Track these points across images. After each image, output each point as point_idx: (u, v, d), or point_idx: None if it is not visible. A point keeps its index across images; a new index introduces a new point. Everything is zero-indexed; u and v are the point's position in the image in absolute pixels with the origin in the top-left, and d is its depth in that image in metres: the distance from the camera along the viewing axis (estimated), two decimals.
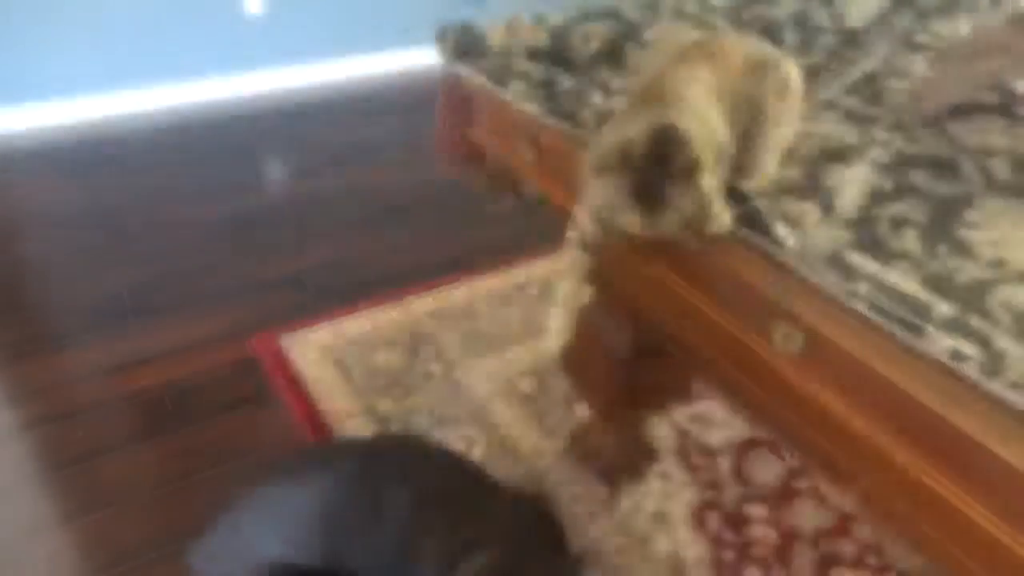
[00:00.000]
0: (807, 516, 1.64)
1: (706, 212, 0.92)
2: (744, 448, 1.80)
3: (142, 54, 3.34)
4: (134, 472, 1.70)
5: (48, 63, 3.16)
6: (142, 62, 3.35)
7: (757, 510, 1.65)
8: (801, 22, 1.70)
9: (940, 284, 0.92)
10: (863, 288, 0.82)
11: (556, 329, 1.03)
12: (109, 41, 3.25)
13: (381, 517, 1.14)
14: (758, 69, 1.08)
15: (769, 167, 1.12)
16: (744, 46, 1.09)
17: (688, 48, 1.09)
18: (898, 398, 0.77)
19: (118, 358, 2.01)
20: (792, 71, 1.10)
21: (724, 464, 1.76)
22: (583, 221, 1.02)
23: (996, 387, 0.70)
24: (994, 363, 0.73)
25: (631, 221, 0.92)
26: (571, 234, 1.04)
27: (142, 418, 1.84)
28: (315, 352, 2.04)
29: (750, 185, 1.09)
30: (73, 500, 1.63)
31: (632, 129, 0.93)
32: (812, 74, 1.21)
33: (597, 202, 0.98)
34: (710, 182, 0.94)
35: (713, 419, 1.88)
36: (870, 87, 1.47)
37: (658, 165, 0.90)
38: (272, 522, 1.26)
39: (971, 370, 0.72)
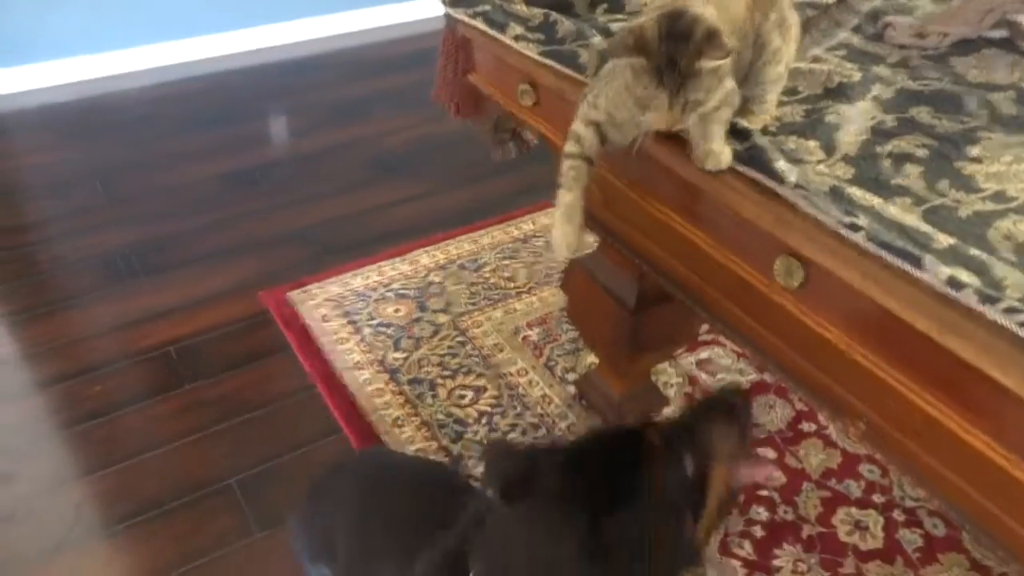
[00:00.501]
0: (814, 457, 1.66)
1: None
2: (752, 393, 1.82)
3: (138, 13, 3.31)
4: (151, 426, 1.73)
5: (44, 24, 3.14)
6: (138, 22, 3.32)
7: (765, 452, 1.68)
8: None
9: (940, 217, 0.92)
10: (863, 221, 0.83)
11: (561, 241, 1.04)
12: (105, 1, 3.22)
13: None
14: (762, 4, 1.07)
15: (772, 104, 1.12)
16: None
17: None
18: (897, 328, 0.78)
19: (129, 316, 2.03)
20: (790, 10, 1.09)
21: None
22: (581, 132, 1.03)
23: (993, 312, 0.71)
24: (992, 290, 0.73)
25: (656, 105, 0.92)
26: (569, 147, 1.05)
27: (155, 374, 1.87)
28: (324, 306, 2.06)
29: (755, 123, 1.09)
30: (93, 454, 1.67)
31: (644, 20, 0.93)
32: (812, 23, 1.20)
33: (609, 96, 0.99)
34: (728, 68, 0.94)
35: (720, 364, 1.89)
36: (873, 24, 1.45)
37: (677, 38, 0.89)
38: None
39: (968, 298, 0.72)
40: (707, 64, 0.90)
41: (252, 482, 1.60)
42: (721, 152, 0.96)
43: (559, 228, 1.05)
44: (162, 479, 1.61)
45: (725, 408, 0.90)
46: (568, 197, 1.05)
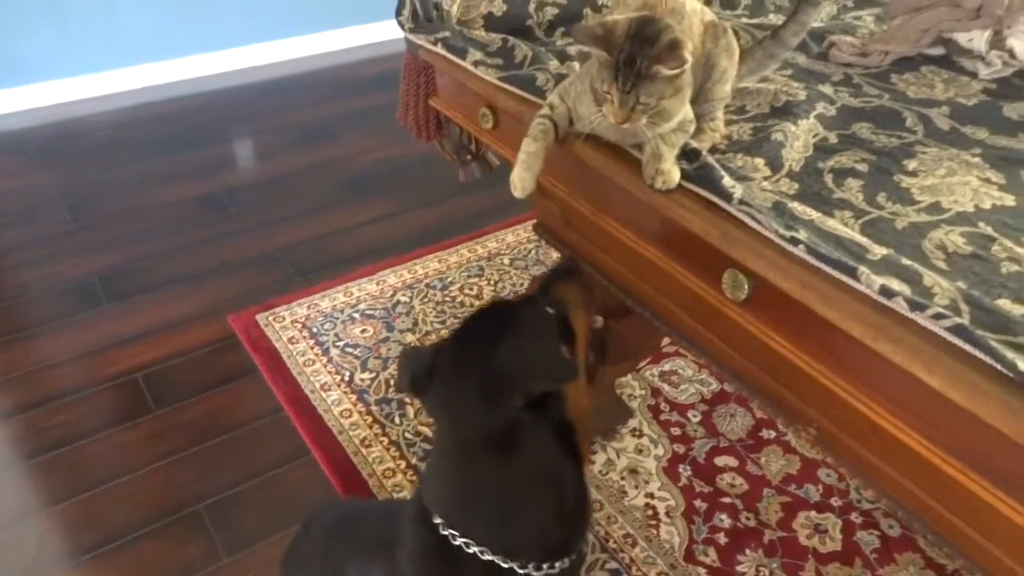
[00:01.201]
0: (774, 464, 1.70)
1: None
2: (713, 402, 1.86)
3: (105, 37, 3.30)
4: (117, 453, 1.72)
5: (11, 49, 3.12)
6: (105, 46, 3.32)
7: (727, 460, 1.71)
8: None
9: (878, 228, 0.97)
10: (803, 235, 0.86)
11: (519, 184, 1.10)
12: (72, 25, 3.21)
13: None
14: (711, 29, 1.12)
15: (720, 121, 1.16)
16: (697, 6, 1.13)
17: (653, 3, 1.13)
18: (836, 336, 0.82)
19: (96, 342, 2.02)
20: (733, 37, 1.15)
21: (694, 418, 1.82)
22: (556, 103, 1.12)
23: (921, 319, 0.75)
24: (922, 298, 0.77)
25: (609, 100, 0.98)
26: (544, 110, 1.12)
27: (122, 400, 1.86)
28: (292, 328, 2.07)
29: (705, 141, 1.13)
30: (59, 484, 1.65)
31: (618, 17, 1.00)
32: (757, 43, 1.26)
33: (578, 89, 1.08)
34: (681, 102, 1.01)
35: (683, 376, 1.93)
36: (818, 44, 1.50)
37: (642, 40, 0.95)
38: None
39: (899, 305, 0.76)
40: (663, 70, 0.95)
41: (220, 507, 1.59)
42: (671, 172, 1.00)
43: (519, 172, 1.11)
44: (129, 507, 1.60)
45: (565, 273, 1.12)
46: (533, 147, 1.10)
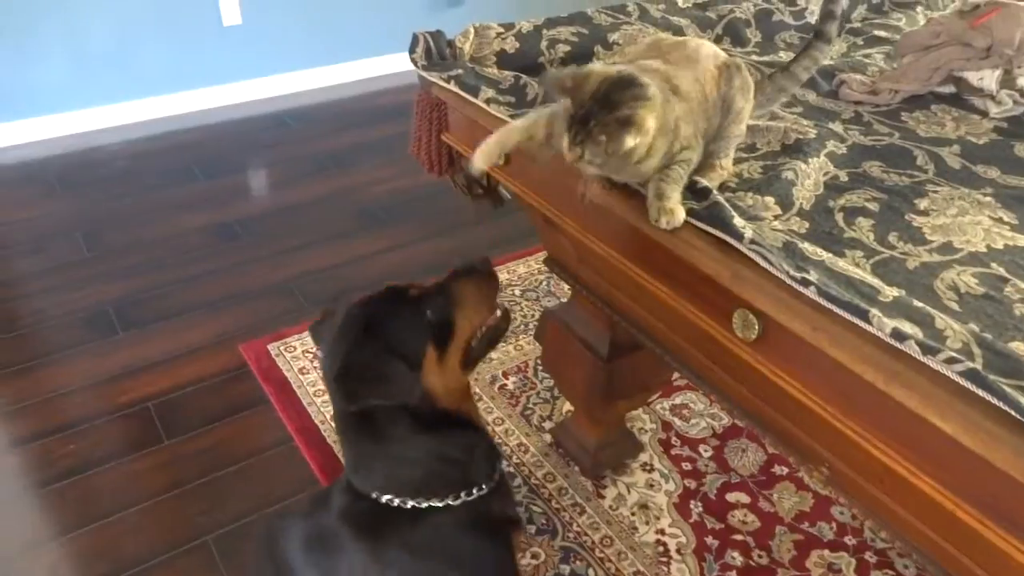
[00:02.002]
0: (787, 500, 1.69)
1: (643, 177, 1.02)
2: (725, 437, 1.85)
3: (121, 68, 3.36)
4: (128, 483, 1.73)
5: (28, 80, 3.18)
6: (121, 76, 3.37)
7: (738, 496, 1.70)
8: (763, 20, 1.75)
9: (889, 269, 0.97)
10: (813, 275, 0.87)
11: (482, 152, 1.10)
12: (88, 56, 3.27)
13: None
14: (725, 71, 1.13)
15: (730, 159, 1.17)
16: (711, 50, 1.14)
17: (667, 45, 1.14)
18: (848, 379, 0.82)
19: (108, 371, 2.03)
20: (747, 73, 1.15)
21: (705, 453, 1.80)
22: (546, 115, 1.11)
23: (934, 363, 0.75)
24: (934, 341, 0.77)
25: (563, 143, 0.99)
26: (540, 109, 1.14)
27: (134, 429, 1.87)
28: (303, 358, 2.07)
29: (715, 180, 1.13)
30: (69, 514, 1.66)
31: (598, 67, 0.99)
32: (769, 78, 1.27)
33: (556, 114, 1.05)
34: (650, 163, 1.00)
35: (694, 410, 1.92)
36: (829, 82, 1.51)
37: (603, 104, 0.94)
38: None
39: (911, 349, 0.76)
40: (605, 142, 0.94)
41: (228, 539, 1.59)
42: (675, 210, 1.01)
43: (489, 143, 1.10)
44: (138, 538, 1.60)
45: (470, 270, 1.18)
46: (517, 123, 1.12)
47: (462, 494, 1.10)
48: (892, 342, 0.78)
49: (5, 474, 1.75)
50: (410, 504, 1.08)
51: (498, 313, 1.20)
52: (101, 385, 1.99)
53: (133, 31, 3.32)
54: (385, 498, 1.08)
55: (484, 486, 1.13)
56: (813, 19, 1.82)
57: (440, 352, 1.09)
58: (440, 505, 1.09)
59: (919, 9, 1.92)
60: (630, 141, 0.93)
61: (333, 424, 1.20)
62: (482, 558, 1.13)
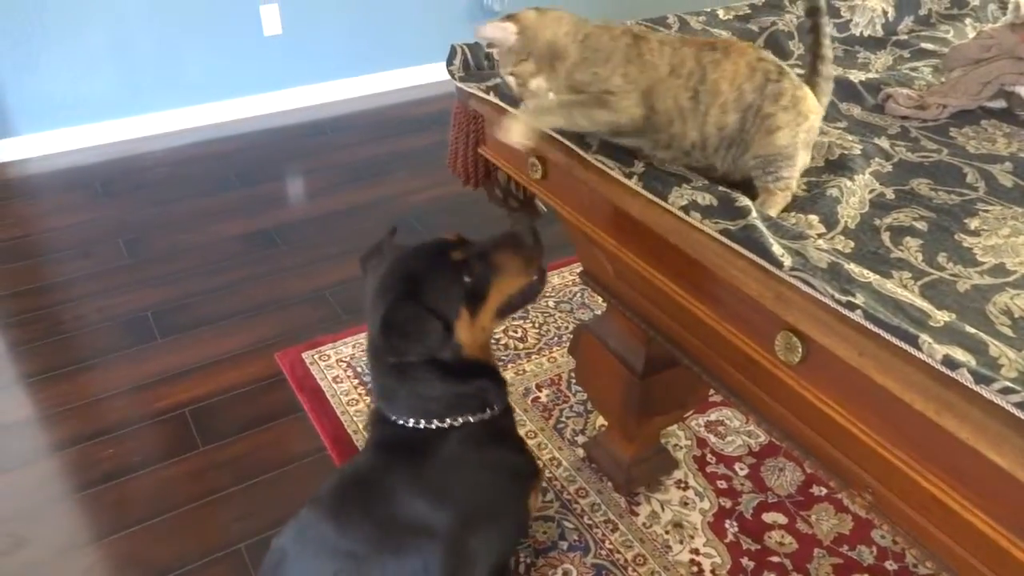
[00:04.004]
0: (825, 523, 1.65)
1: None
2: (761, 455, 1.81)
3: (164, 78, 3.43)
4: (163, 489, 1.74)
5: (73, 89, 3.26)
6: (164, 85, 3.44)
7: (775, 517, 1.66)
8: (806, 33, 1.71)
9: (939, 291, 0.94)
10: (860, 299, 0.84)
11: (520, 129, 1.16)
12: (132, 66, 3.34)
13: None
14: (758, 73, 1.11)
15: (786, 184, 1.12)
16: (757, 54, 1.13)
17: (715, 42, 1.16)
18: (896, 406, 0.79)
19: (146, 376, 2.06)
20: (792, 84, 1.12)
21: (741, 471, 1.77)
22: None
23: (988, 393, 0.72)
24: (988, 369, 0.74)
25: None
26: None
27: (170, 435, 1.89)
28: (337, 367, 2.08)
29: (769, 207, 1.09)
30: (105, 518, 1.68)
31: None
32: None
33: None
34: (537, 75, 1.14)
35: (730, 427, 1.89)
36: (874, 96, 1.48)
37: None
38: None
39: (964, 377, 0.73)
40: (485, 34, 1.14)
41: (261, 547, 1.58)
42: (514, 124, 1.15)
43: (529, 121, 1.17)
44: (172, 544, 1.61)
45: (515, 239, 1.25)
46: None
47: (478, 414, 1.24)
48: (943, 370, 0.75)
49: (45, 478, 1.78)
50: (435, 424, 1.22)
51: (534, 277, 1.27)
52: (139, 390, 2.02)
53: (177, 41, 3.39)
54: (412, 422, 1.22)
55: (496, 407, 1.27)
56: (857, 31, 1.79)
57: (472, 313, 1.19)
58: (459, 424, 1.22)
59: (968, 21, 1.87)
60: (489, 31, 1.12)
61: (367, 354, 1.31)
62: (500, 459, 1.29)
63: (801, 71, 1.58)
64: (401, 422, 1.23)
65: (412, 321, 1.14)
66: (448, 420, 1.22)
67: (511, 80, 1.19)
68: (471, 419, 1.24)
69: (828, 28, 1.24)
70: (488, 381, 1.26)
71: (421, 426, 1.22)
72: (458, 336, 1.18)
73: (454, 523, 1.18)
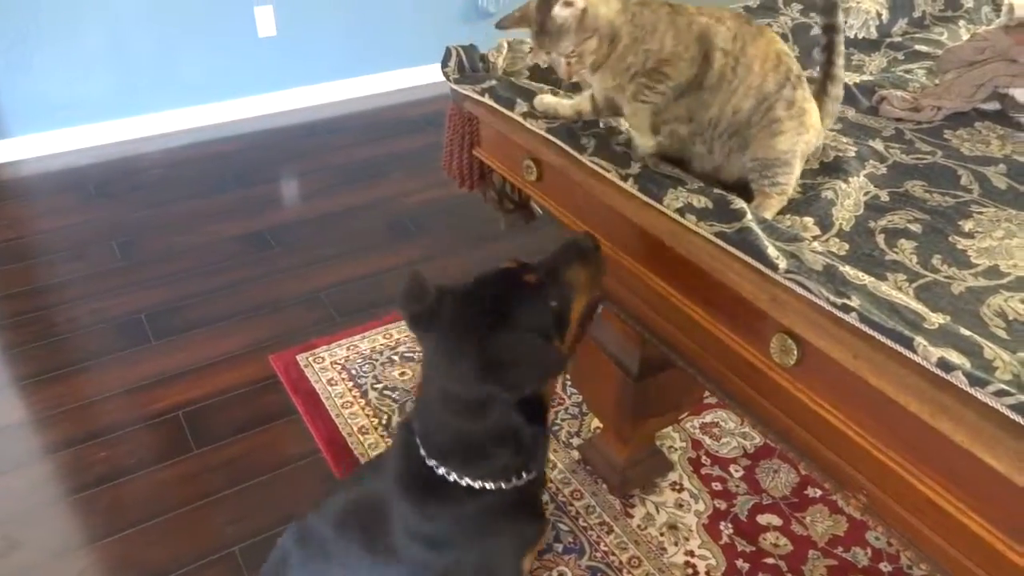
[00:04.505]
0: (820, 524, 1.65)
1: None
2: (756, 457, 1.81)
3: (159, 79, 3.41)
4: (157, 492, 1.74)
5: (67, 90, 3.24)
6: (159, 87, 3.43)
7: (770, 518, 1.66)
8: (801, 34, 1.72)
9: (933, 294, 0.94)
10: (855, 301, 0.84)
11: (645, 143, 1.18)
12: (126, 67, 3.33)
13: None
14: (782, 68, 1.12)
15: (781, 188, 1.12)
16: (782, 46, 1.14)
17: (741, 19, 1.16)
18: (889, 408, 0.79)
19: (140, 379, 2.05)
20: (803, 96, 1.13)
21: (736, 473, 1.77)
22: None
23: (982, 395, 0.72)
24: (982, 372, 0.74)
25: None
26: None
27: (164, 438, 1.88)
28: (331, 370, 2.08)
29: (764, 209, 1.10)
30: (99, 521, 1.67)
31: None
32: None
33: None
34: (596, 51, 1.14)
35: (725, 429, 1.89)
36: (869, 98, 1.48)
37: (541, 9, 1.12)
38: None
39: (958, 380, 0.74)
40: (557, 14, 1.10)
41: (255, 550, 1.59)
42: (639, 145, 1.14)
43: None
44: (166, 547, 1.61)
45: (579, 252, 1.13)
46: (565, 103, 1.30)
47: (514, 479, 1.13)
48: (938, 372, 0.75)
49: (38, 480, 1.77)
50: (465, 482, 1.10)
51: (597, 295, 1.20)
52: (133, 393, 2.01)
53: (171, 43, 3.37)
54: (443, 470, 1.10)
55: (535, 471, 1.16)
56: (851, 33, 1.79)
57: (561, 339, 1.09)
58: (491, 488, 1.11)
59: (961, 23, 1.88)
60: (558, 10, 1.09)
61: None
62: (515, 531, 1.19)
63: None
64: (432, 465, 1.11)
65: (525, 349, 1.02)
66: (485, 482, 1.11)
67: (563, 61, 1.14)
68: (504, 485, 1.12)
69: (842, 47, 1.24)
70: (541, 428, 1.14)
71: (451, 479, 1.11)
72: None
73: (448, 568, 1.14)
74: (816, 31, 1.74)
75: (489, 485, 1.11)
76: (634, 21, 1.13)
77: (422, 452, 1.12)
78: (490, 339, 1.01)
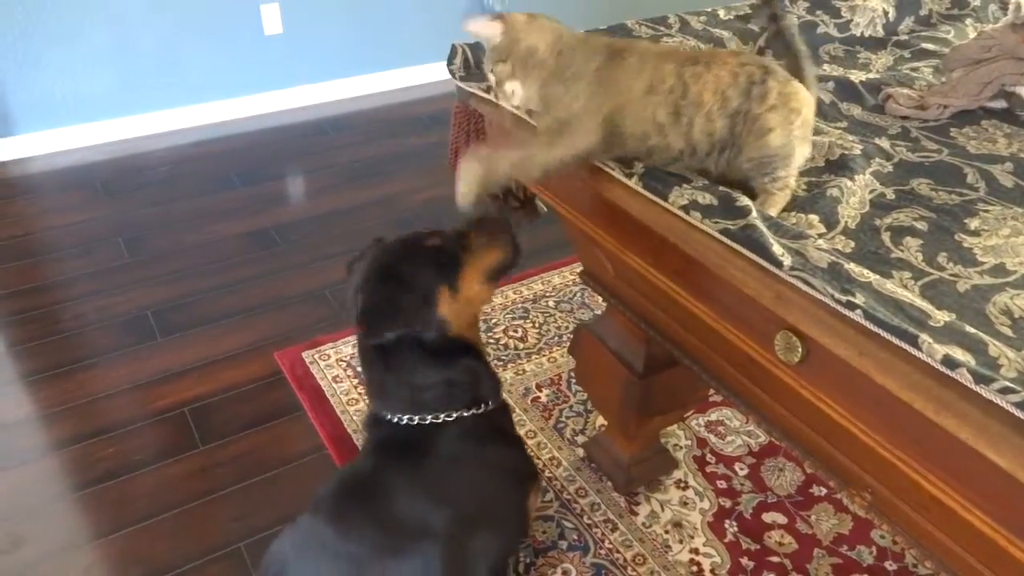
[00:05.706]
0: (825, 523, 1.65)
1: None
2: (761, 455, 1.81)
3: (165, 77, 3.42)
4: (163, 488, 1.74)
5: (74, 88, 3.25)
6: (165, 85, 3.43)
7: (775, 517, 1.66)
8: (808, 32, 1.71)
9: (939, 291, 0.94)
10: (860, 298, 0.84)
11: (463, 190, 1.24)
12: (133, 65, 3.34)
13: None
14: (741, 80, 1.10)
15: (783, 183, 1.11)
16: (730, 62, 1.12)
17: (699, 55, 1.15)
18: (895, 406, 0.79)
19: (146, 375, 2.06)
20: (778, 82, 1.10)
21: (741, 471, 1.77)
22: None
23: (987, 392, 0.72)
24: (987, 369, 0.74)
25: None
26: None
27: (170, 434, 1.89)
28: (336, 367, 2.08)
29: (768, 206, 1.09)
30: (104, 517, 1.68)
31: None
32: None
33: None
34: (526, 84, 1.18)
35: (729, 427, 1.89)
36: (875, 96, 1.48)
37: None
38: None
39: (963, 377, 0.73)
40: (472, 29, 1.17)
41: (261, 546, 1.58)
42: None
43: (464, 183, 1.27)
44: (172, 543, 1.61)
45: (481, 223, 1.32)
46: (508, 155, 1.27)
47: (473, 409, 1.26)
48: (943, 370, 0.75)
49: (44, 476, 1.78)
50: (428, 419, 1.23)
51: (508, 250, 1.32)
52: (139, 389, 2.02)
53: (178, 41, 3.38)
54: (406, 419, 1.23)
55: (490, 402, 1.29)
56: (858, 31, 1.78)
57: (452, 289, 1.23)
58: (452, 419, 1.24)
59: (968, 22, 1.87)
60: (473, 25, 1.16)
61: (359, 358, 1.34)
62: (499, 458, 1.30)
63: None
64: (395, 419, 1.24)
65: (386, 298, 1.20)
66: (441, 415, 1.24)
67: (490, 78, 1.21)
68: (465, 413, 1.25)
69: (795, 29, 1.23)
70: (475, 361, 1.28)
71: (415, 422, 1.23)
72: (441, 311, 1.21)
73: (454, 523, 1.18)
74: (823, 30, 1.74)
75: (451, 415, 1.24)
76: (560, 58, 1.15)
77: (388, 417, 1.24)
78: (363, 288, 1.22)
